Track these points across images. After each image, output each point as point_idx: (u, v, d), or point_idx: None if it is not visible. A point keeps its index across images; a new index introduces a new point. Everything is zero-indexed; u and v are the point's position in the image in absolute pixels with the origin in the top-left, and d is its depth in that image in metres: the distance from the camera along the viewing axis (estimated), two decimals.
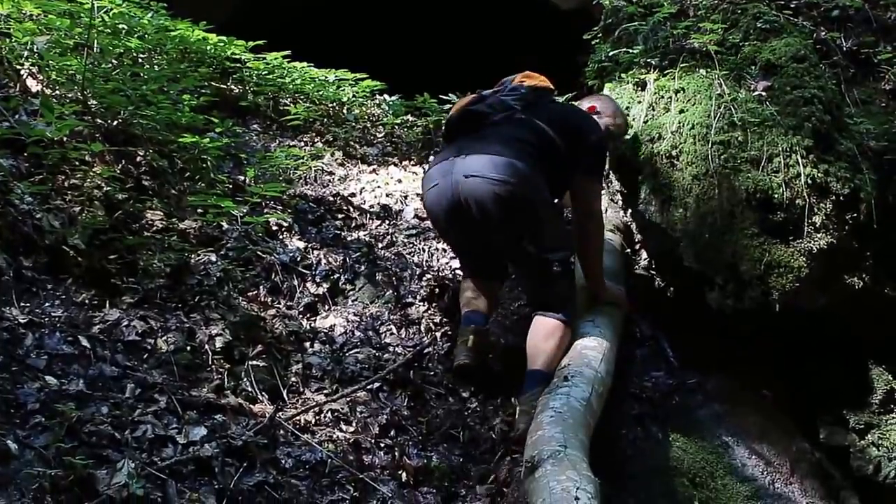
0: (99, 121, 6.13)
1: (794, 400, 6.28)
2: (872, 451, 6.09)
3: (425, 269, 6.33)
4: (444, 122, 6.16)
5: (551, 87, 5.95)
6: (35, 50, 6.43)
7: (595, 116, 5.96)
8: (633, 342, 6.16)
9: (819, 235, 5.53)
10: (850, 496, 6.07)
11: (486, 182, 5.14)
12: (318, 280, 5.95)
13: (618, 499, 5.00)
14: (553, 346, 5.25)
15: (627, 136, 6.32)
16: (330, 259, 6.11)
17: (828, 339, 6.12)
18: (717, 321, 6.07)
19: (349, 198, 6.97)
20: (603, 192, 6.22)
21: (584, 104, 6.15)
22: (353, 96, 8.43)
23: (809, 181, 5.51)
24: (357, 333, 5.63)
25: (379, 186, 7.21)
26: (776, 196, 5.52)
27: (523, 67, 6.12)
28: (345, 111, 8.34)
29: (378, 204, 6.92)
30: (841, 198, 5.56)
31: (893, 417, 6.13)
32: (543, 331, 5.31)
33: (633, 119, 6.55)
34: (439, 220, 5.70)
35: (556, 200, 5.74)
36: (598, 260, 5.81)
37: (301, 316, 5.66)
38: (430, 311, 5.93)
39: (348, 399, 5.07)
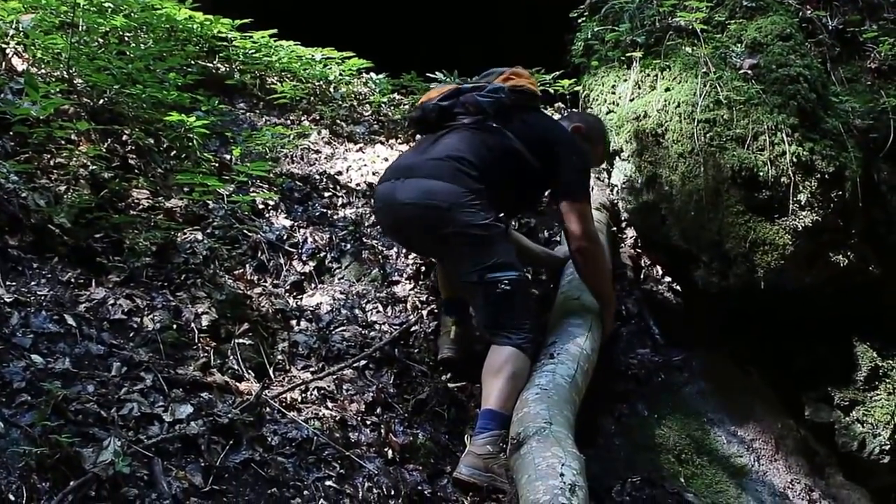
0: (85, 99, 6.12)
1: (780, 377, 6.31)
2: (857, 428, 6.13)
3: None
4: (416, 105, 5.82)
5: (537, 91, 5.63)
6: (20, 28, 6.42)
7: (579, 136, 5.59)
8: (619, 319, 6.18)
9: (804, 213, 5.56)
10: (834, 472, 6.11)
11: (417, 209, 4.99)
12: (304, 258, 5.95)
13: (602, 475, 5.03)
14: (505, 380, 4.82)
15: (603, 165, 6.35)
16: (316, 237, 6.11)
17: (813, 316, 6.15)
18: (704, 299, 6.10)
19: (336, 176, 6.97)
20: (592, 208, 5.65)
21: (573, 121, 5.78)
22: (340, 75, 8.41)
23: (794, 159, 5.54)
24: (343, 311, 5.63)
25: (365, 165, 7.20)
26: (761, 174, 5.55)
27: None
28: (331, 89, 8.33)
29: (364, 182, 6.91)
30: (826, 176, 5.59)
31: (878, 394, 6.17)
32: (496, 362, 4.90)
33: (619, 97, 6.58)
34: (391, 237, 5.88)
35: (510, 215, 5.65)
36: (602, 284, 5.50)
37: (287, 294, 5.67)
38: (416, 289, 5.93)
39: (334, 377, 5.07)
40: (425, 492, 4.62)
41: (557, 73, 8.08)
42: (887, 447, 6.14)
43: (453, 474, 4.70)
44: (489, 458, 4.62)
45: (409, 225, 5.12)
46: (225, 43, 8.15)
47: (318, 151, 7.35)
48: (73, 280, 4.76)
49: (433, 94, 5.50)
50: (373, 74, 8.66)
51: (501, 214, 5.18)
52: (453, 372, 5.45)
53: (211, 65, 8.03)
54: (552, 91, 8.07)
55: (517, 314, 4.99)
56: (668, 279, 6.59)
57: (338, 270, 5.96)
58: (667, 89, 6.08)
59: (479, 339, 5.48)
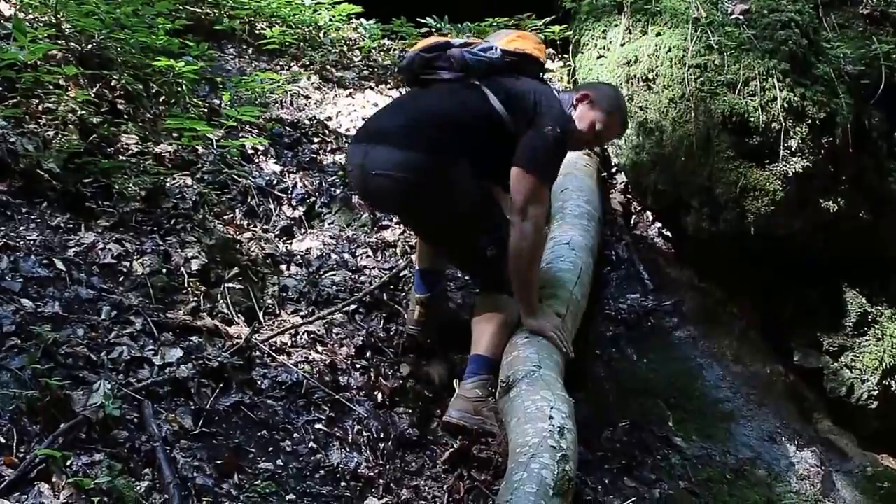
0: (73, 44, 6.08)
1: (769, 322, 6.33)
2: (845, 374, 6.16)
3: None
4: (404, 54, 5.44)
5: (540, 57, 5.04)
6: None
7: (585, 106, 4.94)
8: (608, 265, 6.19)
9: (795, 159, 5.58)
10: (822, 418, 6.14)
11: (389, 182, 4.60)
12: (294, 203, 5.95)
13: (591, 419, 5.06)
14: (496, 327, 4.74)
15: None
16: (306, 182, 6.10)
17: (802, 262, 6.16)
18: (694, 244, 6.11)
19: (325, 121, 6.96)
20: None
21: (581, 90, 5.08)
22: (330, 20, 8.35)
23: (786, 105, 5.55)
24: (333, 256, 5.63)
25: (355, 110, 7.18)
26: (752, 120, 5.56)
27: None
28: (321, 35, 8.28)
29: (354, 127, 6.87)
30: (817, 122, 5.60)
31: (867, 340, 6.19)
32: (487, 309, 4.82)
33: (610, 42, 6.55)
34: (367, 204, 5.77)
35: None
36: (524, 275, 4.71)
37: (277, 239, 5.66)
38: (405, 234, 5.92)
39: (324, 321, 5.07)
40: (414, 435, 4.65)
41: (549, 18, 8.06)
42: (875, 393, 6.17)
43: (443, 418, 4.71)
44: (478, 401, 4.62)
45: (383, 197, 4.84)
46: None
47: (307, 97, 7.33)
48: (62, 225, 4.75)
49: (420, 45, 5.10)
50: (363, 20, 8.61)
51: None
52: (417, 351, 5.29)
53: (199, 10, 7.97)
54: (543, 37, 8.04)
55: (504, 272, 4.72)
56: (658, 224, 6.59)
57: (327, 215, 5.95)
58: (658, 34, 6.06)
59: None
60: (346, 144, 6.60)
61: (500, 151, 4.67)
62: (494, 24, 8.09)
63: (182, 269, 4.89)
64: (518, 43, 4.95)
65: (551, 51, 8.32)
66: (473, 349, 4.79)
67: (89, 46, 6.12)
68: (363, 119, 6.92)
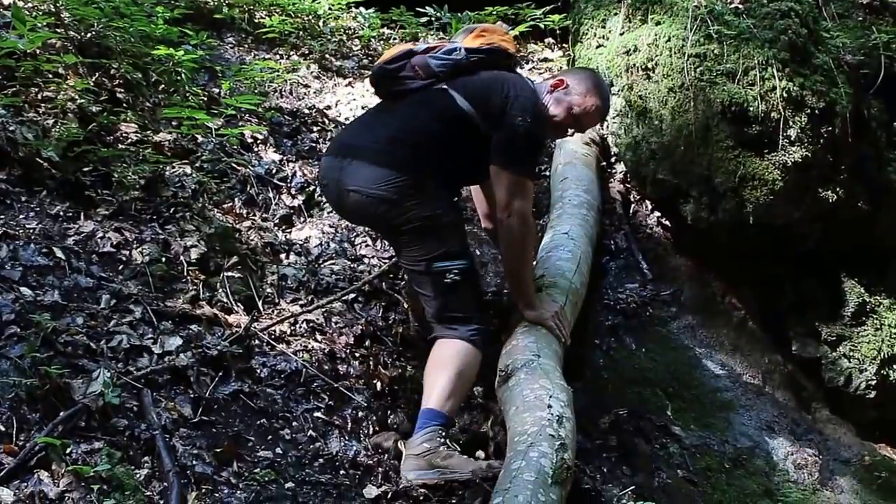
0: (72, 33, 6.07)
1: (767, 312, 6.33)
2: (844, 363, 6.16)
3: None
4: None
5: (509, 49, 4.94)
6: None
7: (560, 92, 4.82)
8: (607, 254, 6.19)
9: (794, 149, 5.57)
10: (820, 407, 6.15)
11: (364, 198, 4.53)
12: (293, 192, 5.94)
13: (590, 408, 5.06)
14: (448, 378, 4.45)
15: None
16: (305, 171, 6.10)
17: (801, 252, 6.16)
18: (693, 233, 6.11)
19: (325, 110, 6.96)
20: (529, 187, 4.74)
21: (557, 76, 5.00)
22: (329, 9, 8.36)
23: (785, 94, 5.54)
24: (332, 245, 5.63)
25: (354, 99, 7.18)
26: (751, 109, 5.56)
27: None
28: (321, 24, 8.28)
29: (353, 116, 6.87)
30: (816, 111, 5.60)
31: (865, 329, 6.19)
32: (442, 357, 4.54)
33: (610, 31, 6.54)
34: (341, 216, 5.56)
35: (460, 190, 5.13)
36: (518, 269, 4.79)
37: (276, 228, 5.66)
38: None
39: (323, 310, 5.08)
40: (413, 424, 4.65)
41: (548, 7, 8.05)
42: (873, 382, 6.17)
43: (403, 482, 4.39)
44: (429, 454, 4.33)
45: (356, 213, 4.79)
46: None
47: (306, 86, 7.33)
48: (61, 213, 4.76)
49: (383, 57, 4.96)
50: (362, 9, 8.60)
51: (455, 199, 4.92)
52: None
53: None
54: (542, 26, 8.04)
55: (466, 305, 4.60)
56: (657, 214, 6.58)
57: (327, 204, 5.95)
58: (657, 23, 6.05)
59: None
60: None
61: (476, 151, 4.62)
62: (494, 12, 8.10)
63: (181, 257, 4.91)
64: (485, 38, 4.85)
65: (550, 40, 8.32)
66: (424, 402, 4.50)
67: (88, 35, 6.12)
68: (362, 108, 6.93)
